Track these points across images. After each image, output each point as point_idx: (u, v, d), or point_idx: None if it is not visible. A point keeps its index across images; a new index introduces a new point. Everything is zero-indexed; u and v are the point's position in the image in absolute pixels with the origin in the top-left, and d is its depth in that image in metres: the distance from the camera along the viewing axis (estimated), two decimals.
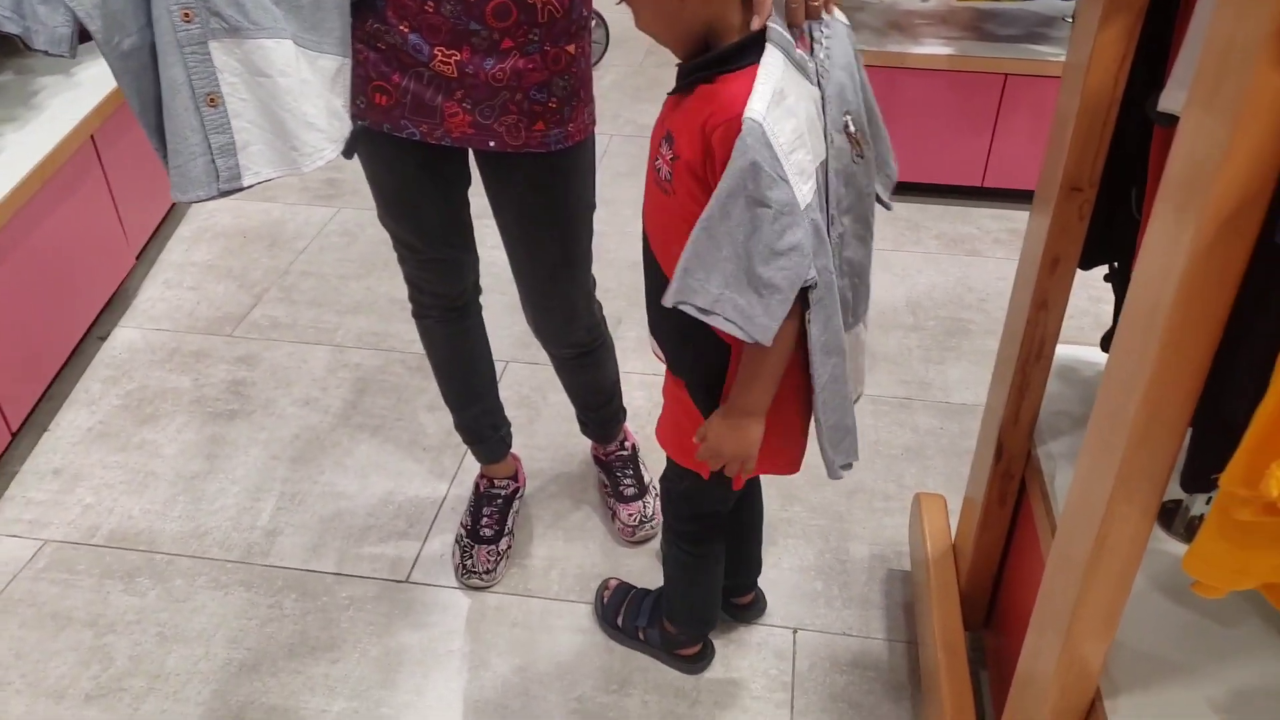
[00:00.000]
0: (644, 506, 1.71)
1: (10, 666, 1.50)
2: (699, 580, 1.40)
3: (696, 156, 0.97)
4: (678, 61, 1.03)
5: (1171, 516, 1.12)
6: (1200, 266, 0.68)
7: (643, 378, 2.02)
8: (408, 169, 1.32)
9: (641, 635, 1.50)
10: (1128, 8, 0.93)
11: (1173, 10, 0.98)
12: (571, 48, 1.22)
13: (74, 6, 1.05)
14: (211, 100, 1.09)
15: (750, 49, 0.96)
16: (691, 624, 1.45)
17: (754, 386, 1.06)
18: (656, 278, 1.12)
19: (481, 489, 1.70)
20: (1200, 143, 0.67)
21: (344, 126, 1.20)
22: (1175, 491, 0.87)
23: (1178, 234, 0.69)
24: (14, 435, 1.86)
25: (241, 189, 1.15)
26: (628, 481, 1.73)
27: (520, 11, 1.16)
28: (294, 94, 1.11)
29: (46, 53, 1.21)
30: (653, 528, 1.69)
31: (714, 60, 0.97)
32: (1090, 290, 1.90)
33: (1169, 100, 0.90)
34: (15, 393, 1.85)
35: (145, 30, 1.07)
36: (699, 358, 1.12)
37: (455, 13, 1.15)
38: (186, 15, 1.05)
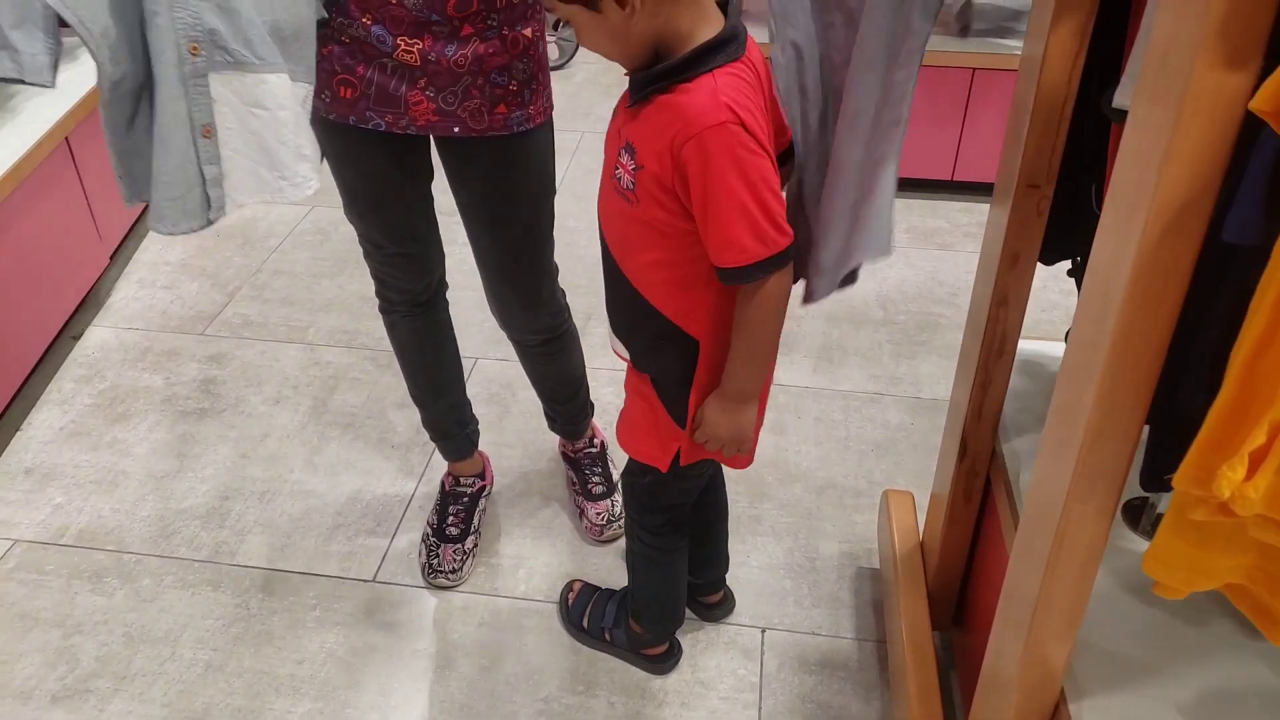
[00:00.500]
0: (612, 505, 1.70)
1: None
2: (664, 576, 1.40)
3: (665, 172, 0.97)
4: (625, 72, 1.03)
5: (1138, 515, 1.12)
6: (1149, 263, 0.67)
7: (612, 374, 2.01)
8: (375, 164, 1.33)
9: (608, 636, 1.49)
10: (1079, 5, 0.93)
11: (1127, 5, 0.98)
12: (528, 31, 1.24)
13: (85, 35, 1.02)
14: (206, 132, 1.09)
15: (707, 55, 0.95)
16: (658, 622, 1.45)
17: (747, 370, 1.08)
18: (617, 280, 1.12)
19: (447, 487, 1.69)
20: (1145, 141, 0.66)
21: (318, 152, 1.21)
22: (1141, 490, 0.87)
23: (1126, 230, 0.68)
24: None
25: (223, 217, 1.15)
26: (596, 479, 1.72)
27: (480, 0, 1.17)
28: (289, 127, 1.11)
29: (22, 81, 1.15)
30: (620, 527, 1.69)
31: (671, 69, 0.96)
32: (1062, 284, 1.90)
33: (1123, 96, 0.90)
34: None
35: (137, 60, 1.05)
36: (671, 354, 1.12)
37: (418, 5, 1.16)
38: (195, 49, 1.04)
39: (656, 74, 0.97)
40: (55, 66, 1.10)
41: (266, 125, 1.10)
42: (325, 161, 1.34)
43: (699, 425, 1.14)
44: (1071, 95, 0.99)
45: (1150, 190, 0.65)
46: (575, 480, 1.75)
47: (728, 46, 0.96)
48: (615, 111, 1.08)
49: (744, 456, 1.17)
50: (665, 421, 1.17)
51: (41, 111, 2.07)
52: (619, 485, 1.71)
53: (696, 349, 1.10)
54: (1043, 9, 0.97)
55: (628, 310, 1.13)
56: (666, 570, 1.39)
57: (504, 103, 1.25)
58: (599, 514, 1.69)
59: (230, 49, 1.05)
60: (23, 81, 1.14)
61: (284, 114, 1.09)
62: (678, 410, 1.15)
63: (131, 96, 1.06)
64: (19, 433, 1.92)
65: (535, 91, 1.28)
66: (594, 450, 1.76)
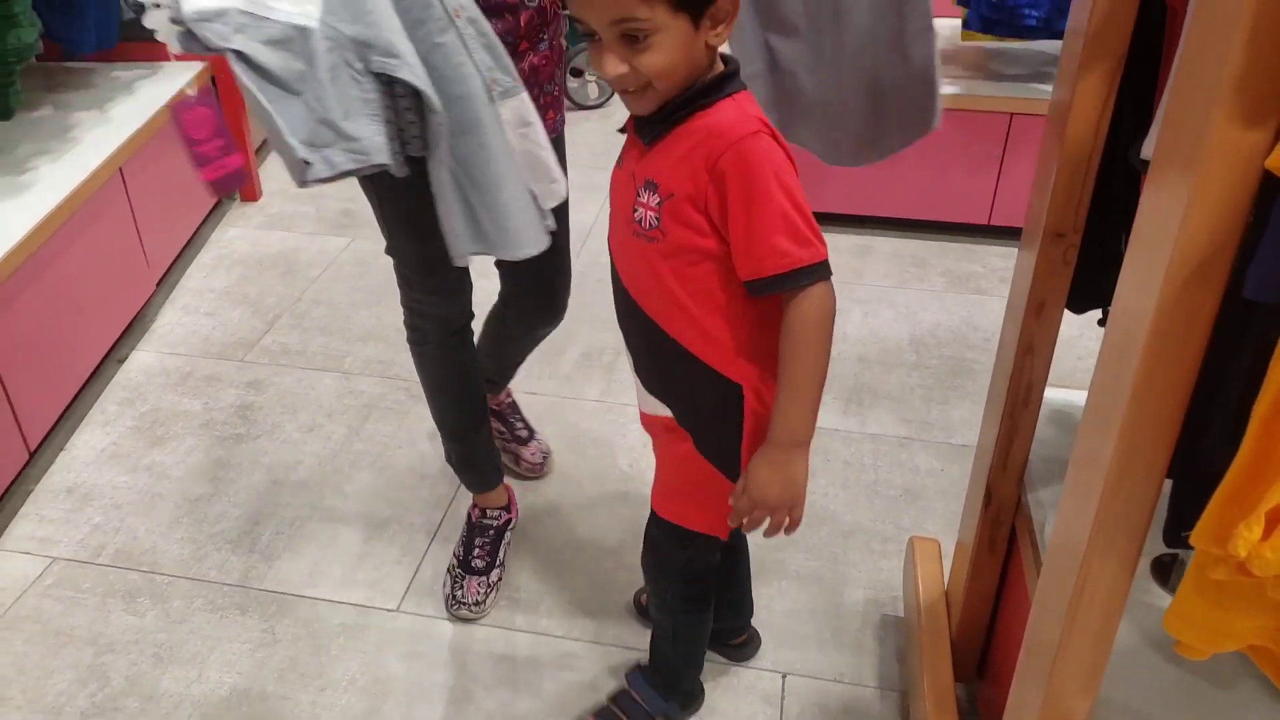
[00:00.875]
0: (539, 442, 1.90)
1: (12, 682, 1.52)
2: (698, 638, 1.36)
3: (700, 190, 0.98)
4: (629, 117, 1.06)
5: (1168, 571, 1.10)
6: (1168, 314, 0.67)
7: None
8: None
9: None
10: (1108, 54, 0.93)
11: (1159, 55, 0.98)
12: (561, 39, 1.35)
13: (431, 103, 1.13)
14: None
15: (725, 82, 0.99)
16: (692, 680, 1.42)
17: (799, 408, 1.01)
18: (647, 332, 1.10)
19: (474, 519, 1.71)
20: (1164, 194, 0.67)
21: None
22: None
23: (1147, 281, 0.68)
24: (32, 454, 1.90)
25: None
26: (520, 424, 1.90)
27: (537, 14, 1.28)
28: (544, 135, 1.22)
29: (365, 168, 1.17)
30: (552, 460, 1.90)
31: (698, 93, 0.99)
32: (1099, 333, 1.87)
33: (1150, 147, 0.90)
34: (36, 412, 1.90)
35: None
36: (714, 402, 1.09)
37: (499, 31, 1.23)
38: (491, 86, 1.16)
39: (685, 100, 0.99)
40: (389, 147, 1.19)
41: (532, 139, 1.20)
42: (376, 194, 1.38)
43: (744, 491, 1.04)
44: (1099, 145, 0.99)
45: (1169, 243, 0.65)
46: (504, 429, 1.87)
47: (736, 77, 1.00)
48: (620, 161, 1.09)
49: (799, 512, 1.05)
50: (720, 483, 1.11)
51: (98, 142, 2.15)
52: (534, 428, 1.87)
53: (740, 395, 1.07)
54: (1071, 56, 0.98)
55: (661, 362, 1.11)
56: (701, 633, 1.35)
57: (552, 108, 1.36)
58: (534, 453, 1.88)
59: (500, 79, 1.16)
60: (365, 168, 1.17)
61: (539, 125, 1.20)
62: (732, 467, 1.10)
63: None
64: (63, 452, 1.97)
65: (563, 95, 1.41)
66: (510, 400, 1.91)
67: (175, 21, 1.08)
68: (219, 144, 1.27)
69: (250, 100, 1.10)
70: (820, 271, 0.98)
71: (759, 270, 0.98)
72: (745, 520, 1.05)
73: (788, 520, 1.05)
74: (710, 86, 0.98)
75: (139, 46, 2.54)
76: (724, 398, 1.07)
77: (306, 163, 1.11)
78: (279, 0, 1.09)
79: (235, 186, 1.27)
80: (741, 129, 0.95)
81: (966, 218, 2.64)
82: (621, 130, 1.11)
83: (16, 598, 1.66)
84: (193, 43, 1.09)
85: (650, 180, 1.02)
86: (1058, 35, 2.49)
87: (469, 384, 1.60)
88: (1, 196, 1.92)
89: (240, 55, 1.07)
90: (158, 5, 1.11)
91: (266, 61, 1.08)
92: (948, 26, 2.73)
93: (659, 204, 1.01)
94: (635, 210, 1.04)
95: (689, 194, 0.98)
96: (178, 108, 1.26)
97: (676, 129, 0.99)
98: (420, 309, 1.50)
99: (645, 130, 1.03)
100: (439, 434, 1.68)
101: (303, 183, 1.13)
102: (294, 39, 1.09)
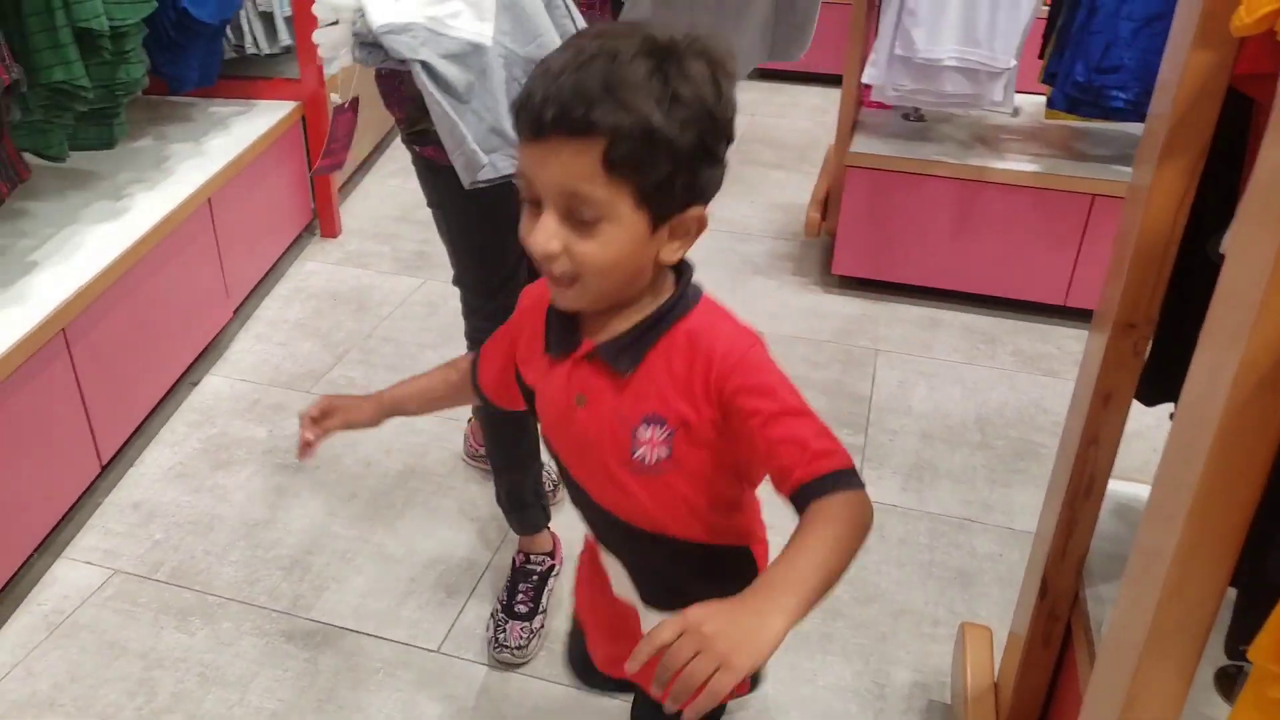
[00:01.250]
0: (548, 472, 1.81)
1: (64, 688, 1.56)
2: None
3: (710, 408, 0.87)
4: (585, 345, 0.91)
5: (1234, 684, 1.05)
6: (1236, 420, 0.65)
7: None
8: (511, 208, 1.39)
9: None
10: (1191, 142, 0.92)
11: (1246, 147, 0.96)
12: None
13: None
14: None
15: (695, 289, 0.91)
16: None
17: (808, 573, 0.76)
18: (649, 548, 0.98)
19: (518, 564, 1.71)
20: (1238, 295, 0.65)
21: None
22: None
23: (1216, 382, 0.66)
24: (104, 468, 1.96)
25: None
26: None
27: None
28: None
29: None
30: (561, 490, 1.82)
31: (664, 313, 0.88)
32: None
33: (1228, 243, 0.88)
34: (110, 427, 1.96)
35: None
36: (729, 570, 1.01)
37: None
38: None
39: (655, 319, 0.89)
40: None
41: None
42: (449, 225, 1.43)
43: (682, 620, 0.71)
44: (1177, 234, 0.97)
45: (1241, 345, 0.63)
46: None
47: (692, 282, 0.92)
48: (581, 398, 0.93)
49: (727, 679, 0.69)
50: None
51: (191, 173, 2.25)
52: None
53: (749, 554, 1.03)
54: (1152, 141, 0.96)
55: (667, 567, 1.01)
56: None
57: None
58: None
59: None
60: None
61: None
62: None
63: None
64: (132, 468, 2.03)
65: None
66: None
67: (358, 35, 1.18)
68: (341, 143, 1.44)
69: (433, 106, 1.19)
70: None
71: (813, 470, 0.82)
72: (658, 650, 0.70)
73: (708, 681, 0.68)
74: (681, 299, 0.89)
75: (237, 84, 2.68)
76: (737, 564, 1.02)
77: (481, 165, 1.20)
78: (456, 19, 1.19)
79: (329, 172, 1.45)
80: (743, 341, 0.87)
81: (1042, 297, 2.59)
82: (557, 353, 0.95)
83: (77, 605, 1.71)
84: (373, 54, 1.19)
85: (652, 415, 0.89)
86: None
87: (522, 419, 1.61)
88: (98, 220, 2.02)
89: (425, 65, 1.17)
90: (334, 22, 1.21)
91: (445, 73, 1.18)
92: (1031, 104, 2.73)
93: (668, 436, 0.89)
94: (635, 450, 0.90)
95: (709, 418, 0.88)
96: (337, 110, 1.43)
97: (656, 346, 0.89)
98: (483, 338, 1.53)
99: (616, 357, 0.89)
100: (492, 476, 1.69)
101: (473, 183, 1.22)
102: (469, 54, 1.19)
